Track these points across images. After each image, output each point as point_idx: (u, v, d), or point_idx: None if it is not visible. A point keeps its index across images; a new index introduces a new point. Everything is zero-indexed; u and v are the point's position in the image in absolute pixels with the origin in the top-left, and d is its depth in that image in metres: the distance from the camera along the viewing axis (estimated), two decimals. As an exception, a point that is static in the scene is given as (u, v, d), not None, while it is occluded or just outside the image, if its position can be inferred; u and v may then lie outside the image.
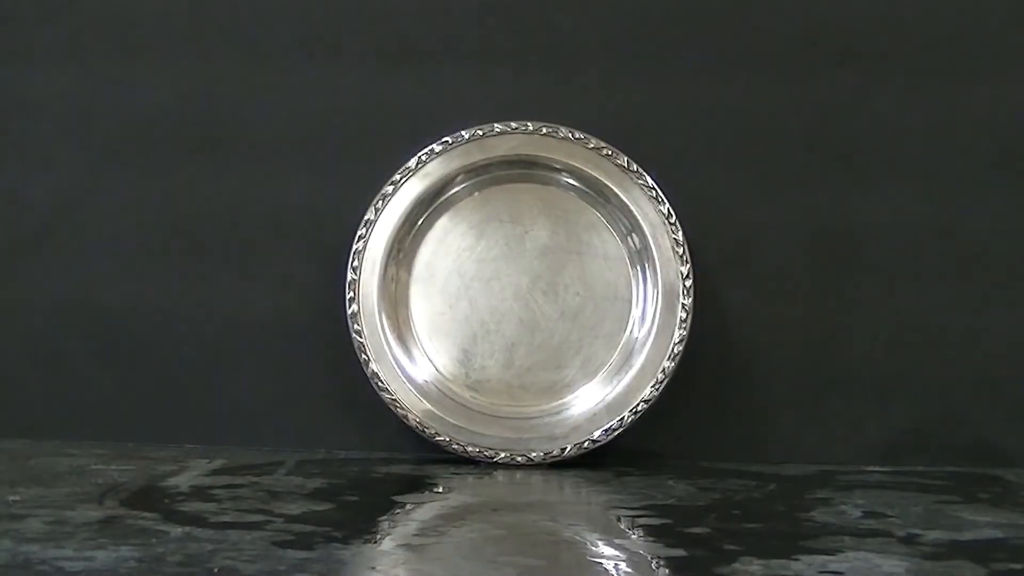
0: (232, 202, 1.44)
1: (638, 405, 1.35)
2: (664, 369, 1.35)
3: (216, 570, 0.90)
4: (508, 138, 1.39)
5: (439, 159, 1.39)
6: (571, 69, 1.43)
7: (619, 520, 1.14)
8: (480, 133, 1.39)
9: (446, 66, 1.43)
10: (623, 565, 0.98)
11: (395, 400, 1.35)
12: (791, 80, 1.42)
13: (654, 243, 1.37)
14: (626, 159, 1.38)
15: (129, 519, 1.06)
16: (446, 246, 1.40)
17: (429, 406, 1.36)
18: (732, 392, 1.42)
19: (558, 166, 1.39)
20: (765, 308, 1.42)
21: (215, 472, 1.28)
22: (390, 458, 1.39)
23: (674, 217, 1.37)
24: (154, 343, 1.44)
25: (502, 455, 1.35)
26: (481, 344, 1.39)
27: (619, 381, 1.36)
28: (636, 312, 1.38)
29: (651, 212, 1.37)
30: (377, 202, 1.38)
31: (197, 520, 1.05)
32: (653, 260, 1.37)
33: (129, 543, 0.97)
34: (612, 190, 1.38)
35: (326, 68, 1.44)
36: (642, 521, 1.12)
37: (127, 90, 1.45)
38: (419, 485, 1.27)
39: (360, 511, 1.16)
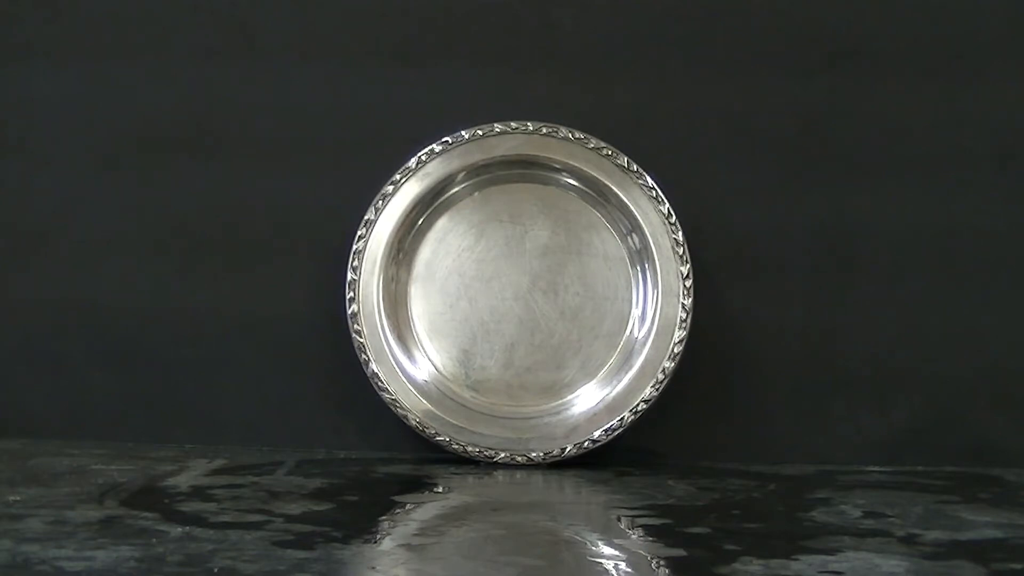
0: (232, 202, 1.44)
1: (638, 405, 1.35)
2: (664, 369, 1.35)
3: (216, 570, 0.90)
4: (508, 138, 1.39)
5: (439, 159, 1.39)
6: (571, 69, 1.43)
7: (619, 520, 1.14)
8: (480, 133, 1.39)
9: (446, 66, 1.43)
10: (623, 565, 0.98)
11: (395, 400, 1.36)
12: (791, 80, 1.42)
13: (654, 243, 1.37)
14: (626, 159, 1.38)
15: (129, 519, 1.06)
16: (446, 246, 1.40)
17: (429, 406, 1.36)
18: (732, 392, 1.42)
19: (558, 166, 1.39)
20: (765, 308, 1.42)
21: (215, 472, 1.28)
22: (390, 458, 1.39)
23: (674, 217, 1.37)
24: (154, 343, 1.44)
25: (502, 455, 1.35)
26: (481, 344, 1.39)
27: (619, 381, 1.36)
28: (636, 312, 1.38)
29: (651, 212, 1.37)
30: (377, 202, 1.38)
31: (197, 520, 1.06)
32: (653, 260, 1.37)
33: (129, 543, 0.97)
34: (612, 190, 1.38)
35: (326, 68, 1.44)
36: (642, 521, 1.12)
37: (127, 91, 1.45)
38: (419, 485, 1.27)
39: (360, 511, 1.16)
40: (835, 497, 1.22)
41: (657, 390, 1.35)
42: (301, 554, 0.95)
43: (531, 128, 1.39)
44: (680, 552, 1.00)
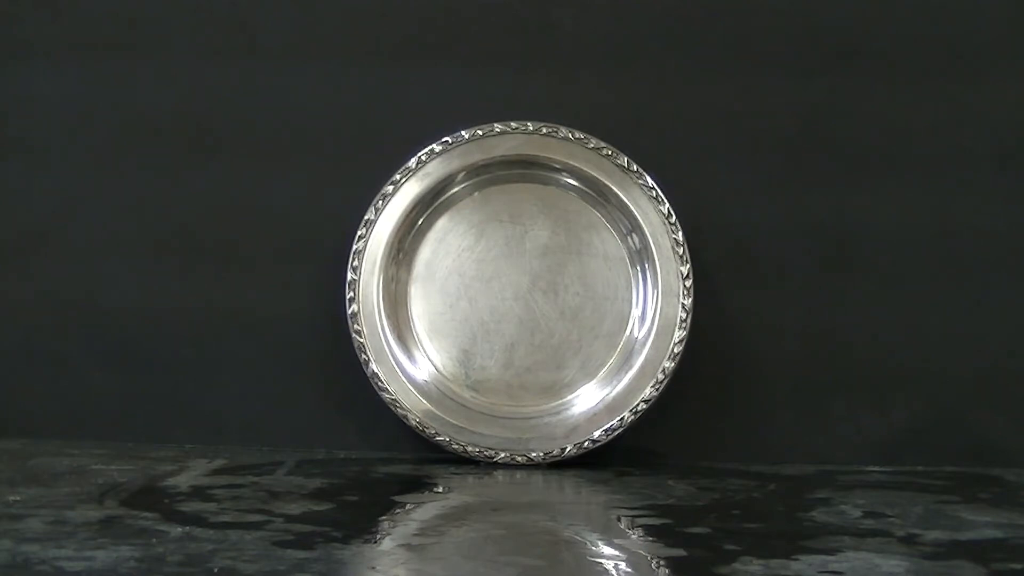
0: (232, 202, 1.44)
1: (638, 405, 1.35)
2: (664, 369, 1.35)
3: (216, 570, 0.90)
4: (508, 138, 1.39)
5: (439, 159, 1.39)
6: (571, 69, 1.43)
7: (619, 520, 1.14)
8: (480, 133, 1.39)
9: (446, 66, 1.43)
10: (623, 565, 0.98)
11: (395, 400, 1.36)
12: (791, 80, 1.42)
13: (654, 243, 1.37)
14: (626, 159, 1.38)
15: (129, 519, 1.06)
16: (446, 246, 1.40)
17: (429, 406, 1.36)
18: (732, 392, 1.42)
19: (558, 166, 1.39)
20: (765, 308, 1.42)
21: (215, 472, 1.28)
22: (390, 458, 1.39)
23: (674, 217, 1.37)
24: (154, 343, 1.44)
25: (502, 455, 1.35)
26: (481, 344, 1.39)
27: (619, 381, 1.36)
28: (636, 312, 1.38)
29: (651, 212, 1.37)
30: (377, 202, 1.38)
31: (197, 520, 1.06)
32: (653, 260, 1.37)
33: (129, 543, 0.97)
34: (612, 190, 1.38)
35: (326, 68, 1.44)
36: (642, 521, 1.12)
37: (127, 90, 1.45)
38: (419, 485, 1.27)
39: (360, 511, 1.16)
40: (835, 497, 1.22)
41: (657, 390, 1.35)
42: (301, 554, 0.95)
43: (531, 128, 1.39)
44: (680, 552, 1.00)
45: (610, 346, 1.38)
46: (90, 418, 1.44)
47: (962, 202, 1.41)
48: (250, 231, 1.44)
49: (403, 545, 1.04)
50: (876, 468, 1.38)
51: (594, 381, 1.38)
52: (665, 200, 1.37)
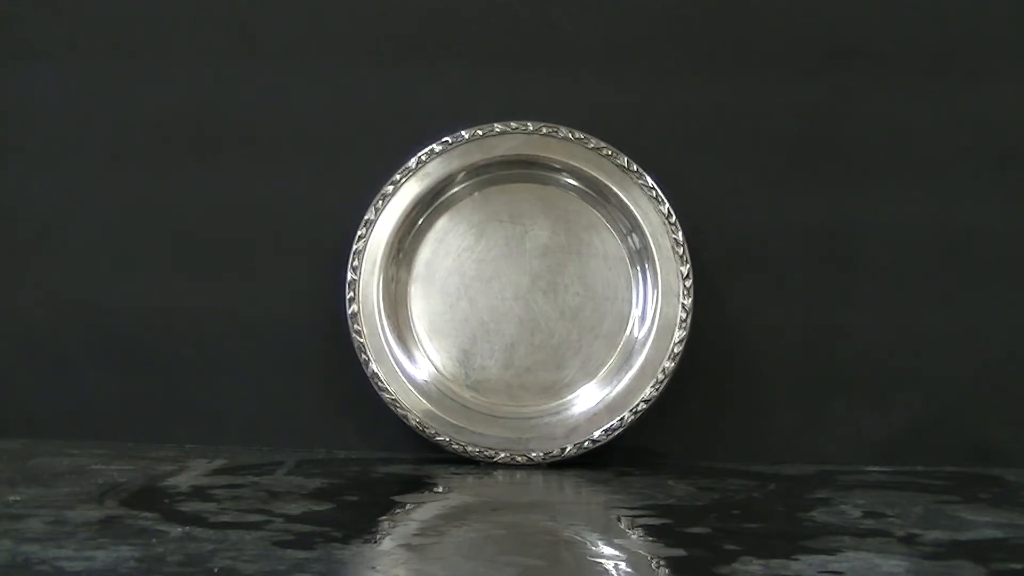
0: (232, 202, 1.44)
1: (638, 405, 1.35)
2: (664, 369, 1.35)
3: (216, 570, 0.90)
4: (508, 138, 1.39)
5: (439, 159, 1.39)
6: (571, 69, 1.43)
7: (619, 520, 1.14)
8: (480, 133, 1.39)
9: (446, 66, 1.43)
10: (623, 565, 0.98)
11: (395, 400, 1.36)
12: (791, 80, 1.42)
13: (654, 243, 1.37)
14: (626, 159, 1.38)
15: (129, 519, 1.06)
16: (446, 246, 1.40)
17: (429, 406, 1.36)
18: (732, 392, 1.42)
19: (558, 166, 1.39)
20: (765, 308, 1.42)
21: (215, 472, 1.28)
22: (390, 458, 1.39)
23: (674, 217, 1.37)
24: (154, 343, 1.44)
25: (502, 455, 1.35)
26: (481, 344, 1.39)
27: (619, 381, 1.36)
28: (636, 312, 1.38)
29: (651, 212, 1.37)
30: (377, 202, 1.38)
31: (197, 520, 1.06)
32: (653, 260, 1.37)
33: (129, 543, 0.97)
34: (612, 190, 1.38)
35: (326, 68, 1.44)
36: (642, 521, 1.12)
37: (127, 90, 1.45)
38: (419, 485, 1.27)
39: (360, 511, 1.16)
40: (835, 497, 1.22)
41: (657, 390, 1.35)
42: (301, 554, 0.95)
43: (531, 128, 1.39)
44: (680, 552, 1.00)
45: (610, 346, 1.38)
46: (90, 418, 1.44)
47: (962, 202, 1.42)
48: (250, 231, 1.44)
49: (403, 545, 1.04)
50: (876, 468, 1.39)
51: (594, 381, 1.38)
52: (665, 200, 1.37)
